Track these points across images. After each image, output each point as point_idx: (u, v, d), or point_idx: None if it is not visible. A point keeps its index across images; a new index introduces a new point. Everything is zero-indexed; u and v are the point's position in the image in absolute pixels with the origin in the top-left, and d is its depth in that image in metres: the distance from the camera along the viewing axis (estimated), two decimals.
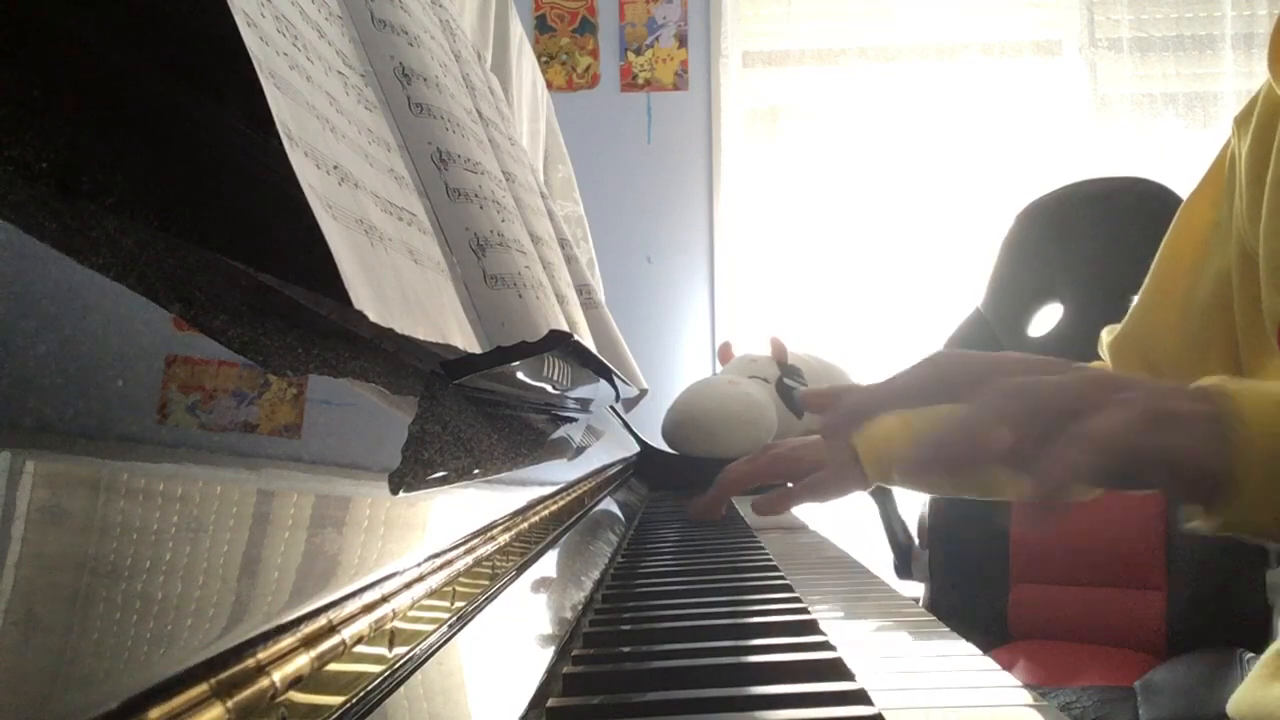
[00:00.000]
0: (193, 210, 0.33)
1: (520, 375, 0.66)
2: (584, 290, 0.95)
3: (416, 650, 0.35)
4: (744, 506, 1.19)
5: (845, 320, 2.71)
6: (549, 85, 1.96)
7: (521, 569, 0.54)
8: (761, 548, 0.91)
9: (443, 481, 0.43)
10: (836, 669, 0.48)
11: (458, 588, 0.41)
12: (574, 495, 0.78)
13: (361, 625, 0.30)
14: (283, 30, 0.37)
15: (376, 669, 0.31)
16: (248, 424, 0.30)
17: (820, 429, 0.85)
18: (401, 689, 0.32)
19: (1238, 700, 0.76)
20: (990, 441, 0.52)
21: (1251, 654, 1.32)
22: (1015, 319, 1.77)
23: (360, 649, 0.30)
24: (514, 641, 0.47)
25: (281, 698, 0.24)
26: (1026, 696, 0.47)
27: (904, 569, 1.78)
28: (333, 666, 0.27)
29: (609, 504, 1.01)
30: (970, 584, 1.67)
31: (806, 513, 1.22)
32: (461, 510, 0.46)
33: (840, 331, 2.65)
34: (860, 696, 0.43)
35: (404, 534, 0.37)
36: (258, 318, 0.32)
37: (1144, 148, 2.68)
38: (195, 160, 0.37)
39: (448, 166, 0.52)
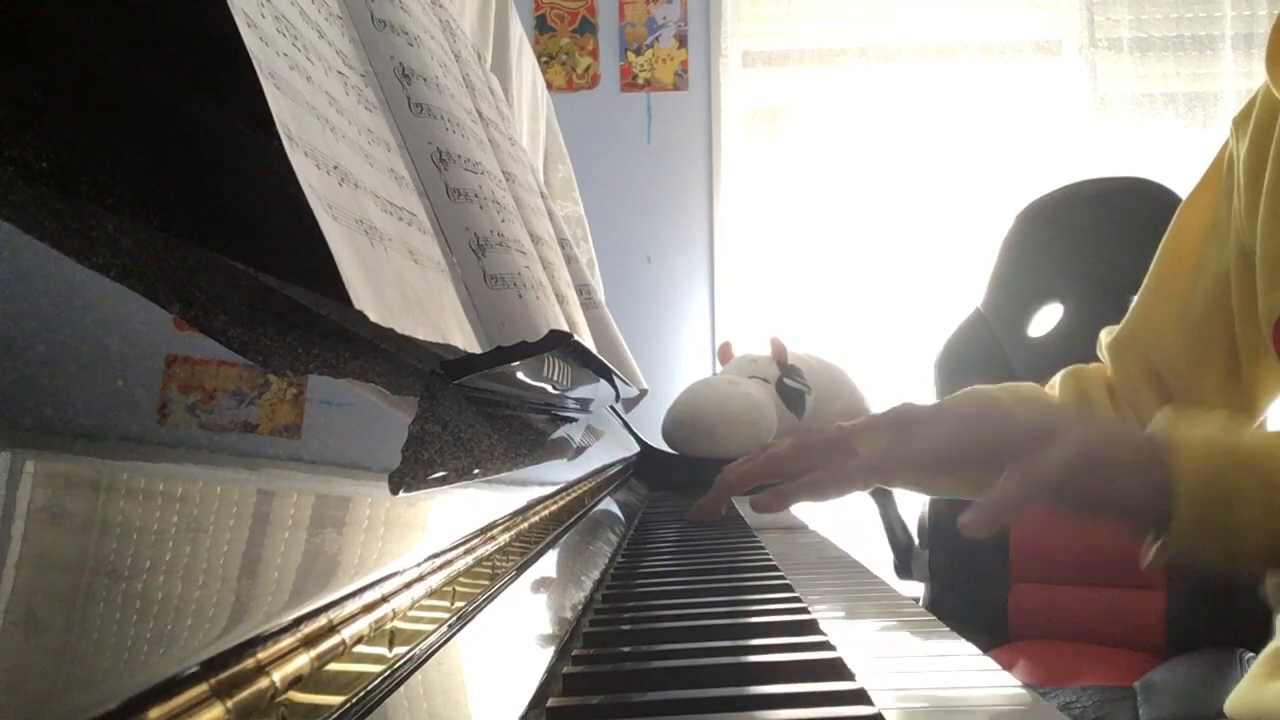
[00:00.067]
0: (193, 210, 0.33)
1: (520, 375, 0.66)
2: (584, 290, 0.95)
3: (416, 650, 0.35)
4: (744, 506, 1.19)
5: (845, 320, 2.71)
6: (549, 85, 1.96)
7: (521, 569, 0.54)
8: (761, 548, 0.91)
9: (443, 481, 0.43)
10: (836, 669, 0.48)
11: (458, 588, 0.41)
12: (574, 495, 0.78)
13: (361, 625, 0.30)
14: (283, 30, 0.37)
15: (376, 669, 0.31)
16: (248, 424, 0.30)
17: (830, 475, 0.90)
18: (401, 689, 0.32)
19: (1236, 699, 0.76)
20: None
21: (1251, 654, 1.32)
22: (1015, 319, 1.77)
23: (360, 649, 0.30)
24: (514, 641, 0.47)
25: (281, 698, 0.24)
26: (1026, 696, 0.47)
27: (904, 569, 1.78)
28: (333, 666, 0.27)
29: (609, 504, 1.01)
30: (970, 584, 1.67)
31: (806, 513, 1.22)
32: (461, 510, 0.46)
33: (840, 331, 2.66)
34: (860, 696, 0.43)
35: (404, 534, 0.37)
36: (258, 318, 0.32)
37: (1144, 148, 2.68)
38: (195, 160, 0.37)
39: (448, 166, 0.52)
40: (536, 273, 0.58)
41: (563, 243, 0.90)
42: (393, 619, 0.33)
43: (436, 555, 0.39)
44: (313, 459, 0.34)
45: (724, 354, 1.82)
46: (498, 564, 0.49)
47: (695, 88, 2.77)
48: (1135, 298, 0.98)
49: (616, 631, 0.59)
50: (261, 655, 0.24)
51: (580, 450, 0.90)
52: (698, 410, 1.55)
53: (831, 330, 2.65)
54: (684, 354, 2.70)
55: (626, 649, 0.54)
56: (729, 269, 2.73)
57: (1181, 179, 1.37)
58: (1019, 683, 0.49)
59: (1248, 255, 0.83)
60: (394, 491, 0.37)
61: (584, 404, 1.03)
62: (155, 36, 0.34)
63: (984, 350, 1.77)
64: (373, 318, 0.32)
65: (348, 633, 0.28)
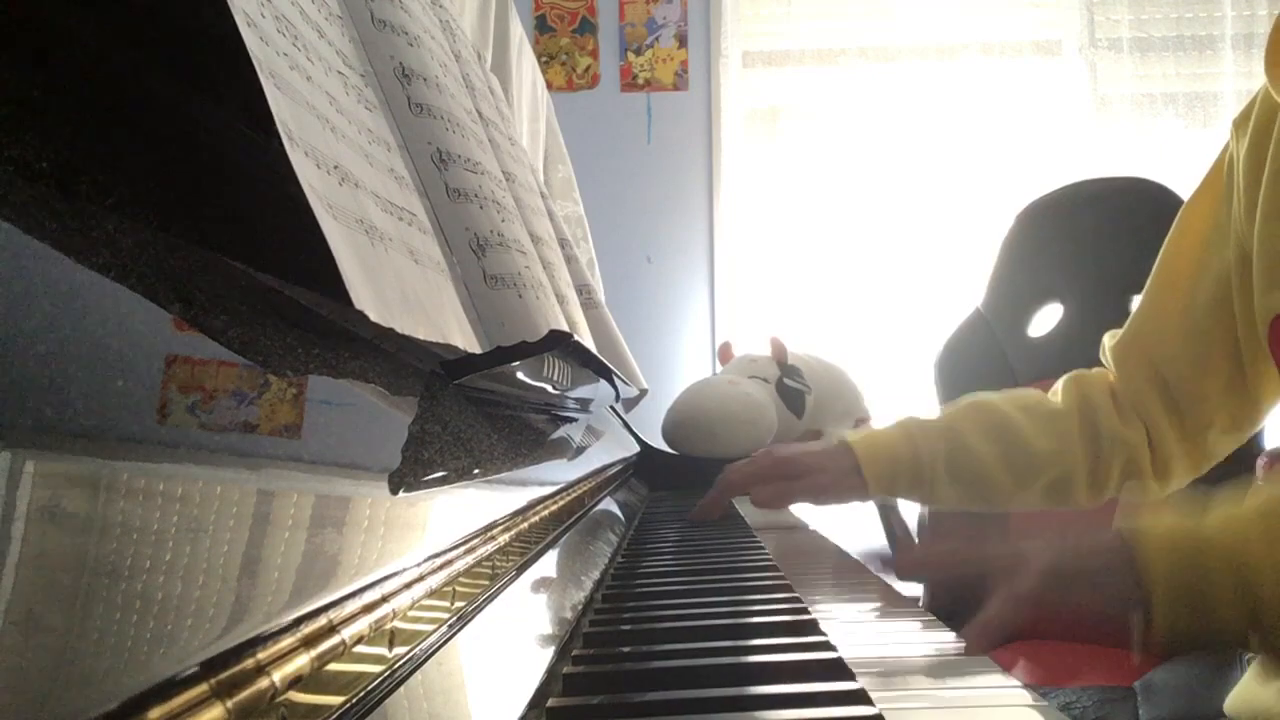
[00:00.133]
0: (193, 210, 0.33)
1: (520, 375, 0.66)
2: (584, 290, 0.95)
3: (416, 650, 0.35)
4: (744, 506, 1.19)
5: (845, 320, 2.70)
6: (549, 85, 1.96)
7: (521, 569, 0.54)
8: (761, 548, 0.91)
9: (443, 481, 0.43)
10: (836, 669, 0.48)
11: (458, 588, 0.41)
12: (574, 495, 0.78)
13: (361, 625, 0.30)
14: (283, 30, 0.37)
15: (376, 669, 0.31)
16: (248, 424, 0.30)
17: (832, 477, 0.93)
18: (401, 689, 0.32)
19: (1235, 699, 0.76)
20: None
21: (1251, 654, 1.32)
22: (1015, 319, 1.77)
23: (360, 649, 0.30)
24: (514, 641, 0.47)
25: (281, 698, 0.24)
26: (1026, 696, 0.47)
27: None
28: (333, 666, 0.27)
29: (609, 504, 1.01)
30: (970, 584, 1.66)
31: (806, 512, 1.22)
32: (461, 510, 0.46)
33: (840, 331, 2.65)
34: (860, 696, 0.43)
35: (404, 534, 0.37)
36: (258, 318, 0.32)
37: (1144, 148, 2.68)
38: (195, 160, 0.37)
39: (448, 166, 0.52)
40: (536, 273, 0.58)
41: (563, 243, 0.90)
42: (393, 619, 0.33)
43: (436, 555, 0.39)
44: (313, 459, 0.34)
45: (724, 354, 1.82)
46: (498, 564, 0.49)
47: (695, 88, 2.77)
48: (1138, 301, 0.98)
49: (616, 631, 0.59)
50: (261, 655, 0.24)
51: (580, 450, 0.90)
52: (698, 410, 1.55)
53: (831, 330, 2.65)
54: (684, 354, 2.70)
55: (626, 649, 0.54)
56: (729, 269, 2.73)
57: (1181, 179, 1.37)
58: (1019, 683, 0.49)
59: (1247, 257, 0.83)
60: (394, 491, 0.37)
61: (584, 404, 1.03)
62: (155, 36, 0.34)
63: (984, 350, 1.76)
64: (373, 318, 0.32)
65: (348, 633, 0.28)
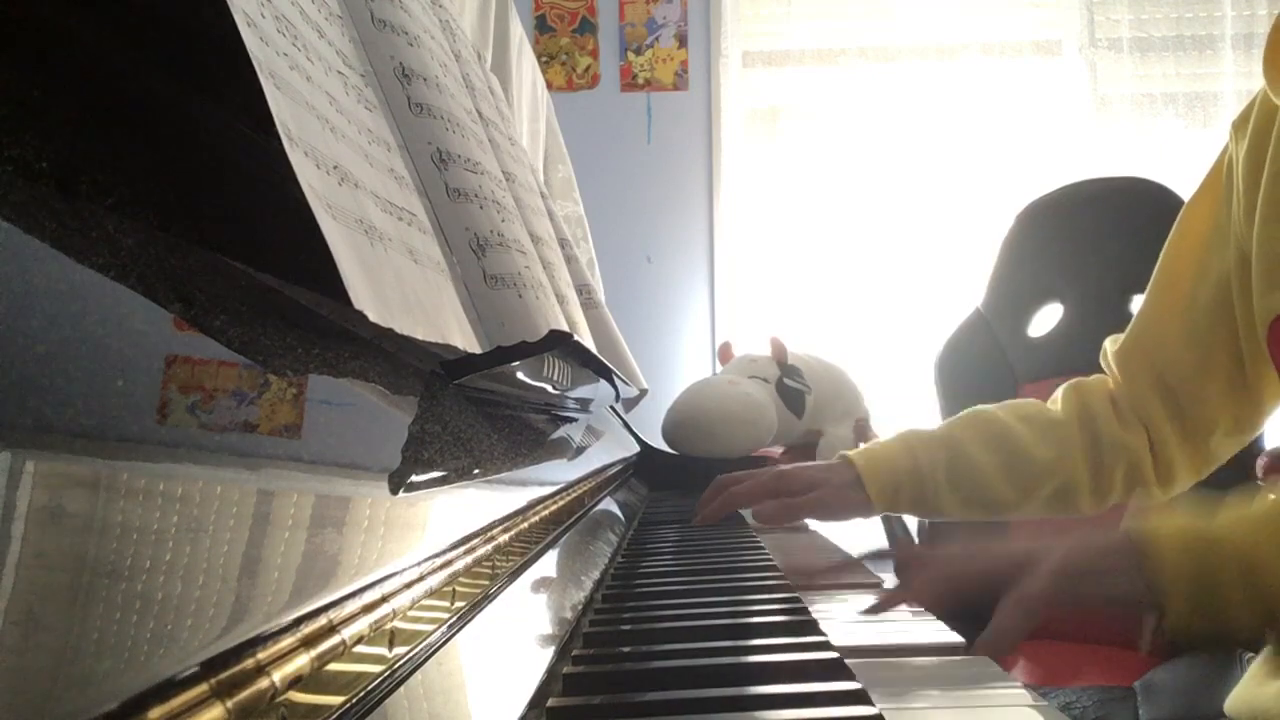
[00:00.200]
0: (193, 210, 0.33)
1: (520, 375, 0.66)
2: (584, 290, 0.95)
3: (416, 650, 0.35)
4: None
5: (845, 320, 2.71)
6: (549, 85, 1.96)
7: (521, 569, 0.54)
8: (761, 548, 0.91)
9: (443, 481, 0.43)
10: (836, 669, 0.48)
11: (458, 588, 0.41)
12: (574, 495, 0.78)
13: (361, 625, 0.30)
14: (283, 30, 0.37)
15: (376, 669, 0.31)
16: (248, 424, 0.30)
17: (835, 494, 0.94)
18: (401, 689, 0.32)
19: (1235, 699, 0.76)
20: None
21: (1251, 654, 1.32)
22: (1015, 319, 1.77)
23: (360, 649, 0.30)
24: (514, 641, 0.47)
25: (281, 698, 0.24)
26: (1026, 696, 0.47)
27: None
28: (333, 666, 0.27)
29: (609, 504, 1.01)
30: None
31: None
32: (461, 510, 0.46)
33: (840, 331, 2.65)
34: (860, 696, 0.43)
35: (404, 534, 0.37)
36: (258, 318, 0.32)
37: (1144, 148, 2.68)
38: (195, 160, 0.37)
39: (448, 166, 0.52)
40: (536, 273, 0.58)
41: (563, 243, 0.90)
42: (393, 619, 0.33)
43: (436, 555, 0.39)
44: (313, 459, 0.34)
45: (724, 354, 1.82)
46: (498, 564, 0.49)
47: (695, 88, 2.77)
48: (1138, 301, 0.98)
49: (616, 631, 0.59)
50: (261, 655, 0.24)
51: (580, 450, 0.90)
52: (698, 410, 1.55)
53: (831, 330, 2.65)
54: (684, 354, 2.70)
55: (626, 649, 0.54)
56: (729, 269, 2.73)
57: (1181, 179, 1.37)
58: (1019, 683, 0.49)
59: (1247, 259, 0.83)
60: (394, 491, 0.37)
61: (584, 404, 1.03)
62: (155, 36, 0.34)
63: (984, 350, 1.76)
64: (372, 318, 0.32)
65: (348, 633, 0.28)
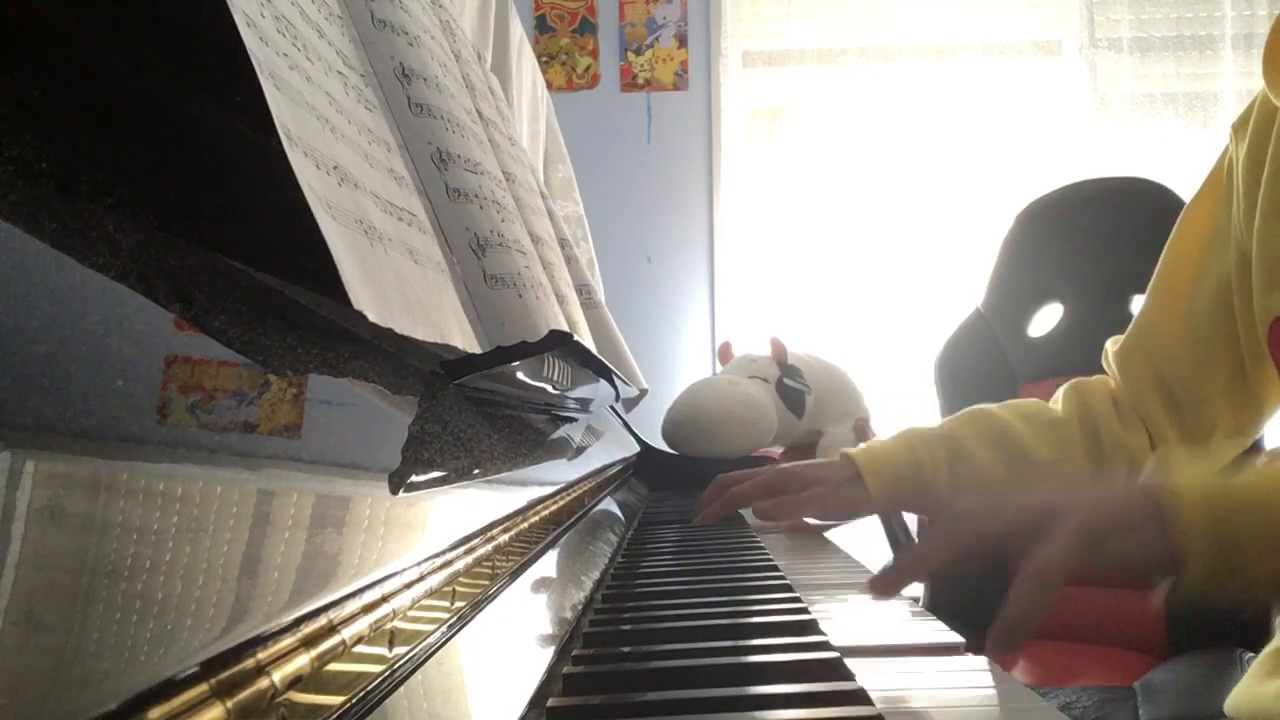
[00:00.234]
0: (193, 210, 0.33)
1: (520, 375, 0.66)
2: (584, 290, 0.95)
3: (416, 650, 0.35)
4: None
5: (845, 320, 2.71)
6: (549, 85, 1.96)
7: (521, 569, 0.54)
8: (761, 548, 0.91)
9: (443, 481, 0.43)
10: (836, 669, 0.48)
11: (458, 588, 0.41)
12: (574, 495, 0.78)
13: (361, 625, 0.30)
14: (283, 30, 0.37)
15: (376, 669, 0.31)
16: (248, 424, 0.30)
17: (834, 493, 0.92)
18: (401, 689, 0.32)
19: (1235, 699, 0.76)
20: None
21: (1251, 654, 1.32)
22: (1015, 319, 1.77)
23: (360, 649, 0.30)
24: (514, 641, 0.47)
25: (281, 698, 0.24)
26: (1027, 696, 0.47)
27: None
28: (333, 666, 0.27)
29: (609, 504, 1.01)
30: (969, 584, 1.66)
31: None
32: (461, 510, 0.46)
33: (840, 331, 2.66)
34: (860, 696, 0.43)
35: (404, 534, 0.37)
36: (258, 318, 0.32)
37: (1144, 148, 2.69)
38: (195, 160, 0.37)
39: (448, 166, 0.52)
40: (536, 273, 0.58)
41: (563, 243, 0.90)
42: (393, 619, 0.33)
43: (436, 555, 0.39)
44: (313, 459, 0.34)
45: (724, 354, 1.82)
46: (498, 564, 0.49)
47: (695, 88, 2.77)
48: (1138, 301, 0.98)
49: (616, 631, 0.59)
50: (261, 655, 0.24)
51: (580, 450, 0.90)
52: (698, 410, 1.55)
53: (831, 330, 2.65)
54: (684, 354, 2.70)
55: (626, 649, 0.54)
56: (729, 269, 2.73)
57: (1181, 179, 1.37)
58: (1019, 682, 0.49)
59: (1247, 260, 0.84)
60: (394, 491, 0.37)
61: (584, 404, 1.03)
62: (155, 36, 0.34)
63: (984, 350, 1.76)
64: (372, 318, 0.32)
65: (348, 633, 0.28)
